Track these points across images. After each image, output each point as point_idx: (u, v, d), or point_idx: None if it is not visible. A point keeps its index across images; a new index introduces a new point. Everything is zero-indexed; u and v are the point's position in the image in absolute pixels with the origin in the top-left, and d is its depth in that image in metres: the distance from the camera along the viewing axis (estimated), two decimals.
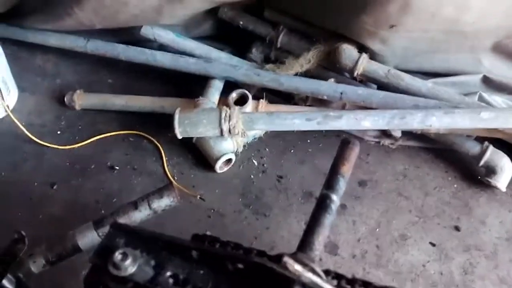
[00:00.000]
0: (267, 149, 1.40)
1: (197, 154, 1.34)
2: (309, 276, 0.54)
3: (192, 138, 1.31)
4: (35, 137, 1.32)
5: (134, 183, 1.28)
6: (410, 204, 1.30)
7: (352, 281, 0.62)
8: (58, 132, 1.39)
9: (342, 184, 0.67)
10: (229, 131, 1.22)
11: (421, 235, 1.23)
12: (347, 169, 0.68)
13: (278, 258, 0.56)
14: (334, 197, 0.66)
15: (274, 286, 0.54)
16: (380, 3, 1.15)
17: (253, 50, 1.52)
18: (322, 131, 1.41)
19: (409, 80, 1.36)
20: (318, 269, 0.59)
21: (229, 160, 1.32)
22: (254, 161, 1.37)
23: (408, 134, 1.42)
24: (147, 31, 1.43)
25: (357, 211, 1.28)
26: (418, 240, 1.22)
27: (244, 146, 1.36)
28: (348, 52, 1.36)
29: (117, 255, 0.58)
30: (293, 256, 0.58)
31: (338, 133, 1.41)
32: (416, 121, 1.23)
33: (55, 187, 1.25)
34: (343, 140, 0.71)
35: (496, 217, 1.28)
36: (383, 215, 1.27)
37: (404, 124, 1.24)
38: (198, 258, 0.58)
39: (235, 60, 1.46)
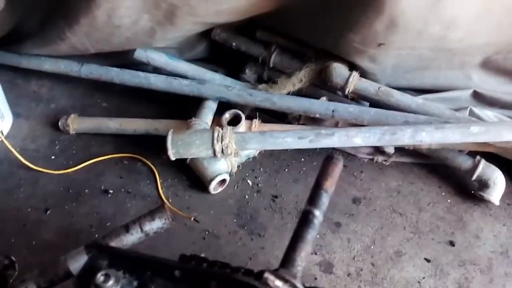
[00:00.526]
0: (261, 169, 1.40)
1: (192, 176, 1.35)
2: None
3: (186, 159, 1.32)
4: (29, 162, 1.32)
5: (128, 207, 1.28)
6: (404, 220, 1.31)
7: None
8: (52, 157, 1.40)
9: (325, 200, 0.67)
10: (222, 151, 1.23)
11: (416, 251, 1.24)
12: (330, 185, 0.68)
13: (259, 275, 0.57)
14: (317, 212, 0.67)
15: None
16: (366, 22, 1.17)
17: (246, 71, 1.54)
18: (315, 149, 1.42)
19: (399, 97, 1.38)
20: (300, 285, 0.59)
21: (224, 181, 1.33)
22: (248, 181, 1.37)
23: (401, 151, 1.43)
24: (141, 54, 1.45)
25: (352, 229, 1.28)
26: (413, 256, 1.22)
27: (238, 166, 1.37)
28: (338, 70, 1.38)
29: (99, 277, 0.59)
30: (275, 272, 0.58)
31: (331, 151, 1.42)
32: (407, 137, 1.24)
33: (48, 212, 1.26)
34: (327, 156, 0.72)
35: (491, 231, 1.29)
36: (378, 232, 1.28)
37: (395, 140, 1.25)
38: (181, 278, 0.59)
39: (228, 81, 1.48)
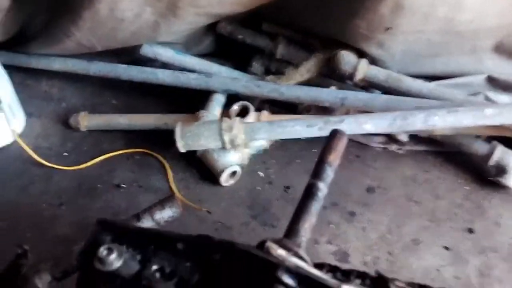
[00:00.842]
0: (273, 161, 1.39)
1: (202, 168, 1.34)
2: (293, 260, 0.53)
3: (195, 152, 1.31)
4: (43, 160, 1.34)
5: (140, 200, 1.28)
6: (420, 208, 1.27)
7: (348, 272, 0.61)
8: (65, 154, 1.41)
9: (329, 173, 0.67)
10: (231, 142, 1.22)
11: (433, 239, 1.20)
12: (334, 158, 0.68)
13: (262, 244, 0.56)
14: (321, 185, 0.66)
15: (260, 272, 0.54)
16: (371, 5, 1.16)
17: (253, 64, 1.53)
18: None
19: (410, 82, 1.35)
20: (304, 254, 0.58)
21: (234, 173, 1.32)
22: (260, 172, 1.36)
23: (415, 139, 1.40)
24: (147, 50, 1.46)
25: (366, 218, 1.25)
26: (431, 244, 1.19)
27: (249, 158, 1.36)
28: (347, 58, 1.36)
29: (102, 251, 0.59)
30: (277, 241, 0.58)
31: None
32: (419, 122, 1.21)
33: (62, 207, 1.26)
34: (332, 130, 0.71)
35: (511, 218, 1.24)
36: (394, 220, 1.25)
37: (406, 125, 1.23)
38: (184, 250, 0.59)
39: (236, 73, 1.47)
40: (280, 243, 0.57)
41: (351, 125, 1.23)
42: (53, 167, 1.34)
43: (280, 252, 0.54)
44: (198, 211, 1.25)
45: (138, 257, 0.61)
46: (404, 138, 1.40)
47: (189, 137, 1.23)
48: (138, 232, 0.63)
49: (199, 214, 1.25)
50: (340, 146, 0.68)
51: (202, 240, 0.58)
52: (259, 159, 1.39)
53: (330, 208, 1.27)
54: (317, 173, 0.66)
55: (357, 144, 1.43)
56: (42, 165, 1.34)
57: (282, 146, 1.41)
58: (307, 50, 1.45)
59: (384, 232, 1.22)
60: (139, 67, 1.46)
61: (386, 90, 1.38)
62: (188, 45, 1.53)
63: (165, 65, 1.51)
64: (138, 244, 0.61)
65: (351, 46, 1.36)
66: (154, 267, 0.60)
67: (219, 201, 1.28)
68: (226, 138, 1.21)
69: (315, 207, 0.64)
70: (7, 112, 1.36)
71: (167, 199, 1.01)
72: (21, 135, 1.39)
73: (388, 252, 1.17)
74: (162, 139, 1.38)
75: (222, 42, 1.57)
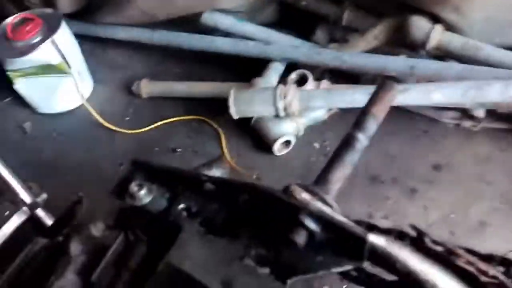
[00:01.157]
0: (330, 132, 1.33)
1: (256, 137, 1.32)
2: (317, 205, 0.49)
3: (250, 121, 1.29)
4: (106, 123, 1.41)
5: (194, 164, 1.28)
6: (493, 190, 1.16)
7: (387, 231, 0.56)
8: (127, 118, 1.47)
9: (371, 125, 0.61)
10: (285, 109, 1.18)
11: (503, 222, 1.09)
12: (379, 110, 0.62)
13: (286, 188, 0.53)
14: (361, 136, 0.61)
15: (283, 215, 0.51)
16: None
17: (317, 32, 1.46)
18: (392, 112, 1.31)
19: (489, 51, 1.21)
20: (331, 202, 0.54)
21: (288, 143, 1.28)
22: (316, 144, 1.31)
23: (492, 115, 1.27)
24: (207, 18, 1.45)
25: (429, 196, 1.16)
26: (500, 228, 1.08)
27: (305, 128, 1.31)
28: (419, 24, 1.24)
29: (133, 186, 0.62)
30: (303, 186, 0.54)
31: (409, 115, 1.31)
32: (495, 93, 1.09)
33: (122, 167, 1.32)
34: (380, 82, 0.65)
35: None
36: (460, 200, 1.14)
37: (481, 97, 1.11)
38: (211, 191, 0.58)
39: (297, 42, 1.41)
40: (305, 188, 0.54)
41: (419, 95, 1.14)
42: (115, 130, 1.41)
43: (304, 196, 0.51)
44: (248, 178, 1.23)
45: (167, 195, 0.63)
46: (480, 113, 1.26)
47: (242, 103, 1.21)
48: (169, 171, 0.63)
49: (250, 180, 1.23)
50: (388, 97, 0.62)
51: (229, 182, 0.57)
52: (316, 130, 1.34)
53: (388, 183, 1.19)
54: (358, 123, 0.61)
55: (426, 118, 1.32)
56: (106, 128, 1.41)
57: (341, 118, 1.35)
58: (375, 16, 1.34)
59: (448, 212, 1.12)
60: (200, 35, 1.47)
61: (462, 60, 1.24)
62: (250, 13, 1.50)
63: (226, 34, 1.49)
64: (168, 183, 0.63)
65: (424, 11, 1.24)
66: (181, 205, 0.61)
67: (272, 170, 1.26)
68: (280, 104, 1.18)
69: (351, 158, 0.60)
70: (76, 78, 1.44)
71: (216, 160, 1.00)
72: (88, 100, 1.47)
73: (450, 232, 1.08)
74: (219, 107, 1.37)
75: (285, 11, 1.51)
